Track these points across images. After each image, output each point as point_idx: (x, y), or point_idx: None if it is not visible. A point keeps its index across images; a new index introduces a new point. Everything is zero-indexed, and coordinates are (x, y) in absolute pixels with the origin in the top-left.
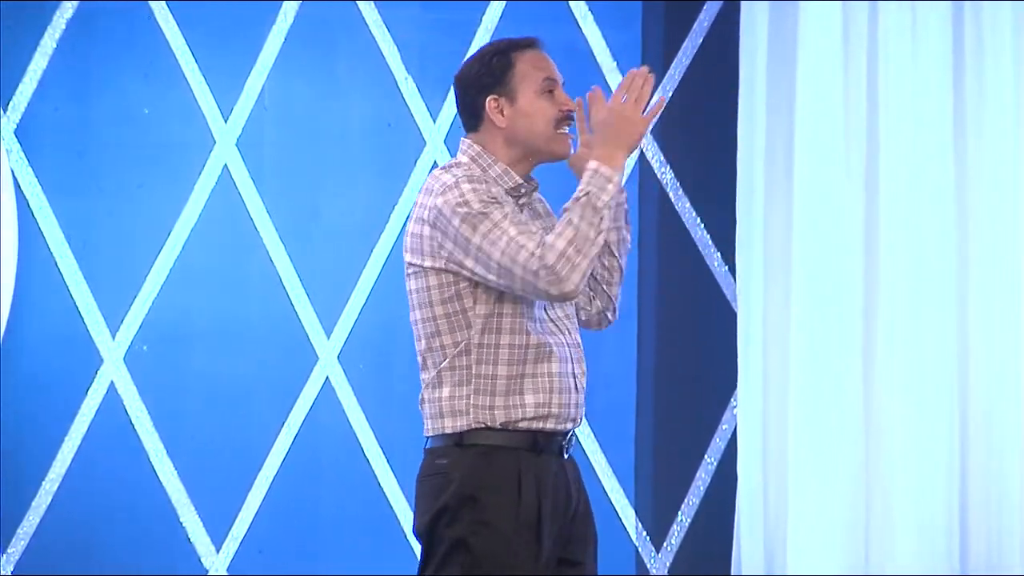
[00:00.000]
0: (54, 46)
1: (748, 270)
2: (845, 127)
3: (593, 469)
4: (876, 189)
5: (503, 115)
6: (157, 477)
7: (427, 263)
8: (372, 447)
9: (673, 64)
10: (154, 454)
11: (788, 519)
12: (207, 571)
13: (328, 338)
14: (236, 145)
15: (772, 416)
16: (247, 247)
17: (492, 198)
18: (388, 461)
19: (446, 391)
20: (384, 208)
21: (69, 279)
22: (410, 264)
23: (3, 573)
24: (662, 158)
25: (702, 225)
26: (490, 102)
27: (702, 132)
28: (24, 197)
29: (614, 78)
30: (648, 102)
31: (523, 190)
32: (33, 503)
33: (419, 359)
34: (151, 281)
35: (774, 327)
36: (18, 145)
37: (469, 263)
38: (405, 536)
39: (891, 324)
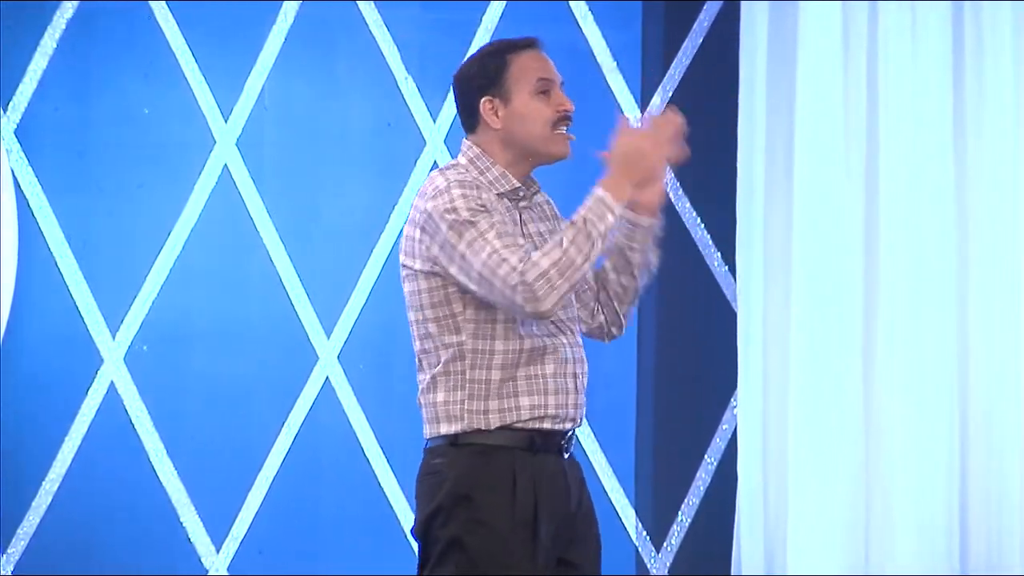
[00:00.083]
0: (54, 46)
1: (748, 270)
2: (845, 127)
3: (593, 469)
4: (876, 189)
5: (498, 116)
6: (157, 477)
7: (417, 266)
8: (372, 447)
9: (673, 64)
10: (154, 454)
11: (788, 519)
12: (207, 571)
13: (328, 338)
14: (236, 145)
15: (772, 416)
16: (247, 247)
17: (481, 205)
18: (388, 461)
19: (440, 396)
20: (384, 208)
21: (69, 279)
22: (403, 266)
23: (3, 573)
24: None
25: (702, 225)
26: (484, 103)
27: (702, 132)
28: (24, 197)
29: (614, 78)
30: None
31: (521, 193)
32: (33, 503)
33: (416, 360)
34: (151, 281)
35: (774, 327)
36: (18, 145)
37: (453, 269)
38: (405, 536)
39: (891, 324)
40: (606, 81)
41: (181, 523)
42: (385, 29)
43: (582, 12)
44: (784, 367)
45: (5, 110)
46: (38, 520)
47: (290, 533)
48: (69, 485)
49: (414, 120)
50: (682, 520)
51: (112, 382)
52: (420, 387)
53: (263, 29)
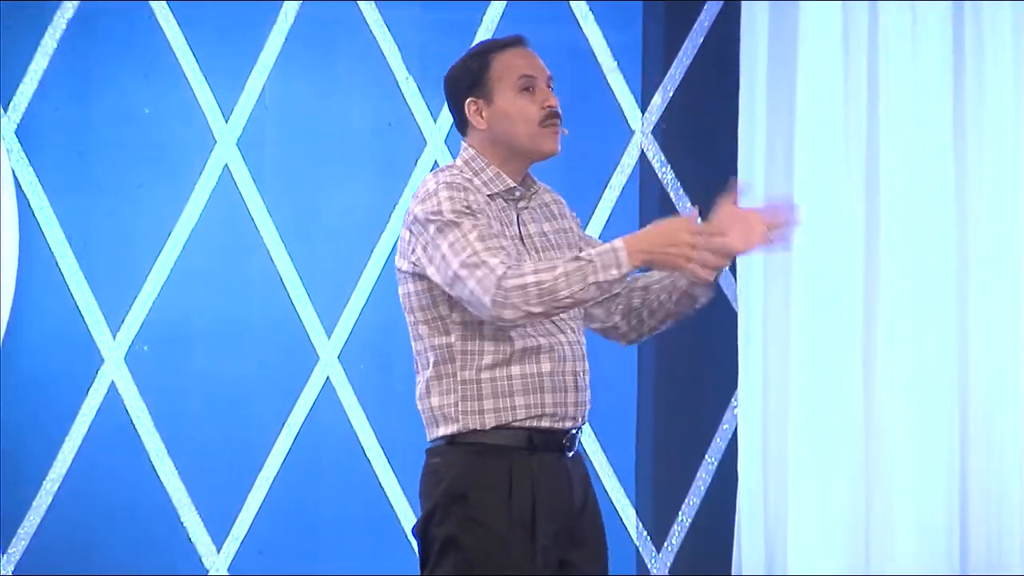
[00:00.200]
0: (55, 46)
1: (748, 270)
2: (845, 127)
3: (594, 469)
4: (876, 189)
5: (482, 117)
6: (158, 477)
7: (406, 268)
8: (373, 447)
9: (674, 64)
10: (155, 454)
11: (788, 519)
12: (207, 571)
13: (329, 338)
14: (237, 145)
15: (772, 416)
16: (248, 247)
17: (466, 207)
18: (389, 461)
19: (435, 400)
20: (385, 208)
21: (70, 279)
22: (396, 268)
23: (4, 573)
24: (662, 158)
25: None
26: (469, 105)
27: (702, 132)
28: (25, 197)
29: (615, 78)
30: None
31: (518, 193)
32: (34, 503)
33: (414, 361)
34: (152, 281)
35: (774, 327)
36: (19, 145)
37: (431, 271)
38: (405, 536)
39: (891, 324)
40: (606, 81)
41: (182, 523)
42: (386, 29)
43: (582, 12)
44: (784, 367)
45: (6, 110)
46: (39, 520)
47: (291, 533)
48: (70, 485)
49: (415, 120)
50: (683, 520)
51: (113, 382)
52: (417, 391)
53: (264, 29)
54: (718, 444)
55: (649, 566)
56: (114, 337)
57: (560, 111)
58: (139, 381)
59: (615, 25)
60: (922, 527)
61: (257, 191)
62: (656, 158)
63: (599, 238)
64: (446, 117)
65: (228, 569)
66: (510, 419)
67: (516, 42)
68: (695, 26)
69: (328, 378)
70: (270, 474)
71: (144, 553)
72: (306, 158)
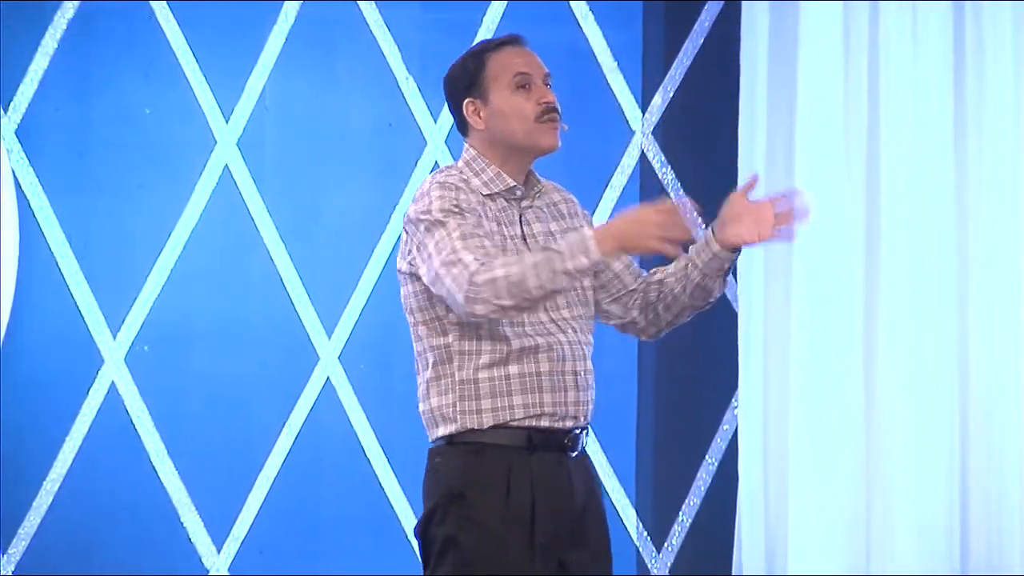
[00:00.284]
0: (55, 46)
1: (749, 270)
2: (846, 127)
3: (594, 469)
4: (877, 189)
5: (480, 117)
6: (158, 477)
7: (404, 268)
8: (373, 447)
9: (674, 64)
10: (155, 454)
11: (789, 519)
12: (208, 571)
13: (329, 338)
14: (237, 145)
15: (773, 416)
16: (248, 247)
17: (455, 206)
18: (389, 461)
19: (434, 401)
20: (385, 208)
21: (70, 279)
22: (397, 270)
23: (4, 573)
24: (663, 158)
25: (703, 225)
26: (467, 105)
27: (703, 132)
28: (25, 197)
29: (615, 78)
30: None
31: (519, 192)
32: (34, 503)
33: (415, 362)
34: (152, 281)
35: (775, 327)
36: (19, 145)
37: (422, 270)
38: (406, 536)
39: (891, 324)
40: (607, 81)
41: (182, 523)
42: (386, 29)
43: (583, 12)
44: (785, 367)
45: (6, 110)
46: (39, 520)
47: (291, 533)
48: (70, 485)
49: (415, 120)
50: (683, 520)
51: (113, 382)
52: (418, 393)
53: (264, 29)
54: (718, 444)
55: (649, 566)
56: (114, 337)
57: (558, 107)
58: (139, 381)
59: (615, 25)
60: (922, 527)
61: (257, 191)
62: (656, 158)
63: None
64: (446, 117)
65: (228, 569)
66: (508, 418)
67: (512, 41)
68: (695, 26)
69: (328, 378)
70: (270, 474)
71: (144, 553)
72: (306, 158)
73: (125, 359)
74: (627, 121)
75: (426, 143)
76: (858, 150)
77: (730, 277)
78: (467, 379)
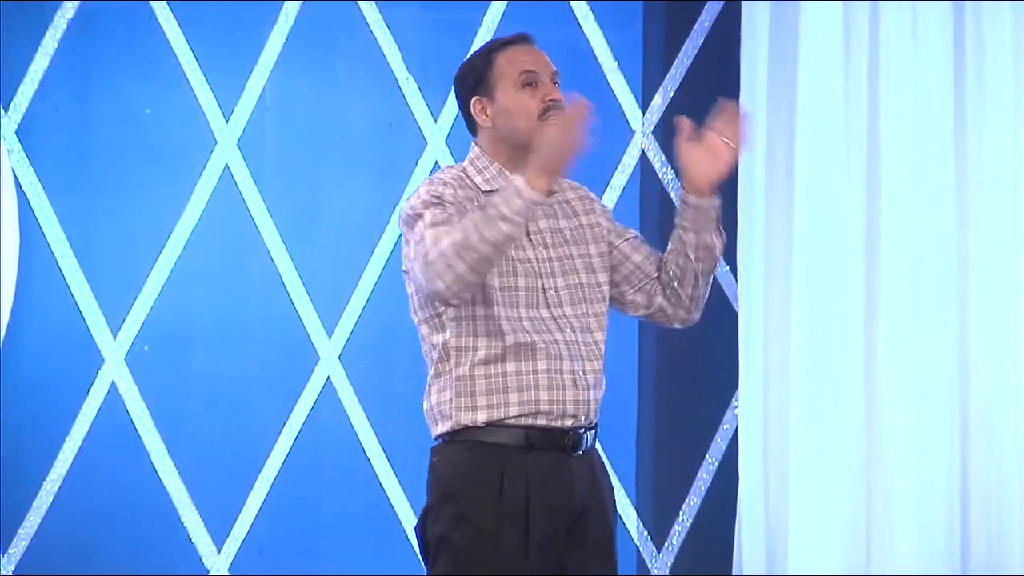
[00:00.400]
0: (55, 46)
1: (749, 270)
2: (846, 127)
3: None
4: (877, 189)
5: (487, 115)
6: (158, 477)
7: (405, 267)
8: (373, 447)
9: (674, 64)
10: (155, 454)
11: (789, 519)
12: (208, 571)
13: (329, 338)
14: (237, 145)
15: (773, 416)
16: (248, 247)
17: (436, 198)
18: (389, 461)
19: (434, 399)
20: (385, 208)
21: (70, 279)
22: (403, 271)
23: (4, 573)
24: (663, 158)
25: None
26: (474, 104)
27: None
28: (25, 197)
29: (615, 78)
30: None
31: None
32: (34, 503)
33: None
34: (152, 281)
35: (775, 327)
36: (19, 145)
37: (408, 265)
38: (406, 536)
39: (892, 324)
40: (607, 81)
41: (182, 523)
42: (386, 29)
43: (583, 12)
44: (785, 367)
45: (6, 110)
46: (39, 520)
47: (291, 533)
48: (70, 485)
49: (415, 120)
50: (683, 520)
51: (113, 382)
52: (424, 393)
53: (264, 29)
54: (719, 444)
55: (650, 566)
56: (115, 337)
57: (564, 106)
58: (140, 381)
59: (615, 25)
60: (922, 527)
61: (257, 191)
62: (656, 158)
63: None
64: (446, 117)
65: (229, 569)
66: (503, 415)
67: (520, 40)
68: (696, 26)
69: (329, 378)
70: (271, 474)
71: (144, 553)
72: (306, 158)
73: (125, 359)
74: (627, 121)
75: (426, 143)
76: (858, 150)
77: (730, 277)
78: (464, 376)
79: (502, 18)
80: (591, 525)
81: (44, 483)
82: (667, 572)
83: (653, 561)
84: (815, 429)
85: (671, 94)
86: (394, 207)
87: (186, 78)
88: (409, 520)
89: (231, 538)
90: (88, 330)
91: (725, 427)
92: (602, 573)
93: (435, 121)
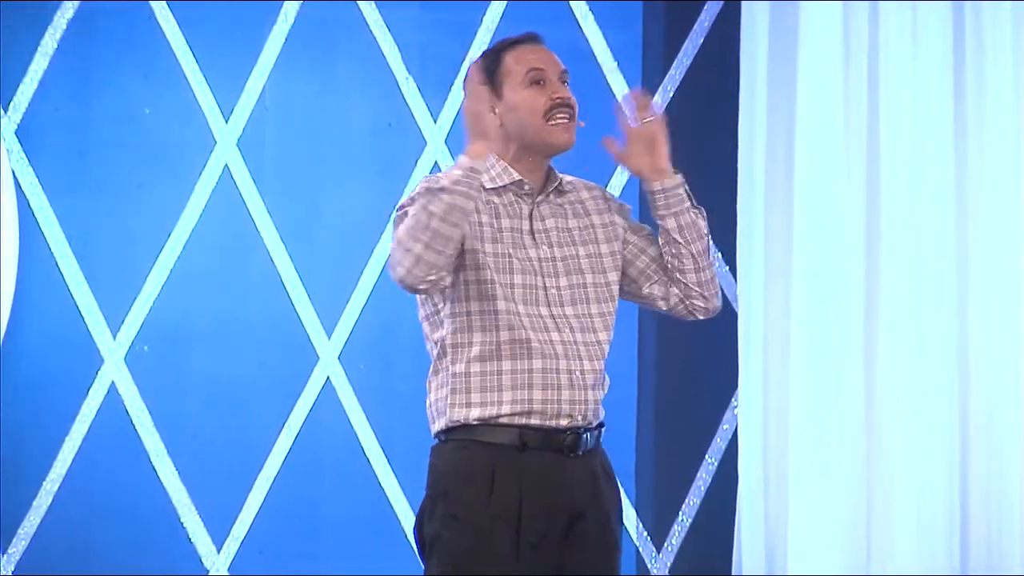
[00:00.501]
0: (55, 46)
1: (749, 270)
2: (846, 127)
3: None
4: (877, 189)
5: (495, 113)
6: (158, 477)
7: None
8: (373, 447)
9: (674, 64)
10: (155, 454)
11: (789, 519)
12: (208, 571)
13: (329, 338)
14: (237, 145)
15: (773, 416)
16: (248, 247)
17: (419, 193)
18: (389, 461)
19: (432, 396)
20: (385, 208)
21: (70, 279)
22: None
23: (4, 573)
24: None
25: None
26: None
27: (703, 132)
28: (25, 197)
29: (615, 78)
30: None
31: (527, 187)
32: (34, 503)
33: None
34: (152, 281)
35: (775, 327)
36: (19, 145)
37: None
38: (406, 536)
39: (892, 324)
40: (607, 81)
41: (182, 523)
42: (386, 29)
43: (583, 12)
44: (784, 367)
45: (6, 110)
46: (39, 520)
47: (291, 533)
48: (70, 485)
49: (415, 120)
50: (683, 520)
51: (113, 382)
52: None
53: (264, 29)
54: (718, 444)
55: (649, 566)
56: (114, 337)
57: (574, 104)
58: (139, 381)
59: (615, 25)
60: (922, 527)
61: (257, 191)
62: None
63: None
64: (446, 117)
65: (228, 569)
66: (495, 413)
67: (529, 39)
68: (695, 26)
69: (328, 378)
70: (270, 474)
71: (144, 553)
72: (306, 158)
73: (125, 359)
74: None
75: (426, 143)
76: (858, 150)
77: (730, 277)
78: (459, 372)
79: (502, 18)
80: (590, 526)
81: (44, 483)
82: (667, 572)
83: (653, 561)
84: (815, 429)
85: (671, 94)
86: (394, 207)
87: (186, 78)
88: (409, 520)
89: (231, 538)
90: (88, 330)
91: (725, 427)
92: (601, 574)
93: (435, 121)
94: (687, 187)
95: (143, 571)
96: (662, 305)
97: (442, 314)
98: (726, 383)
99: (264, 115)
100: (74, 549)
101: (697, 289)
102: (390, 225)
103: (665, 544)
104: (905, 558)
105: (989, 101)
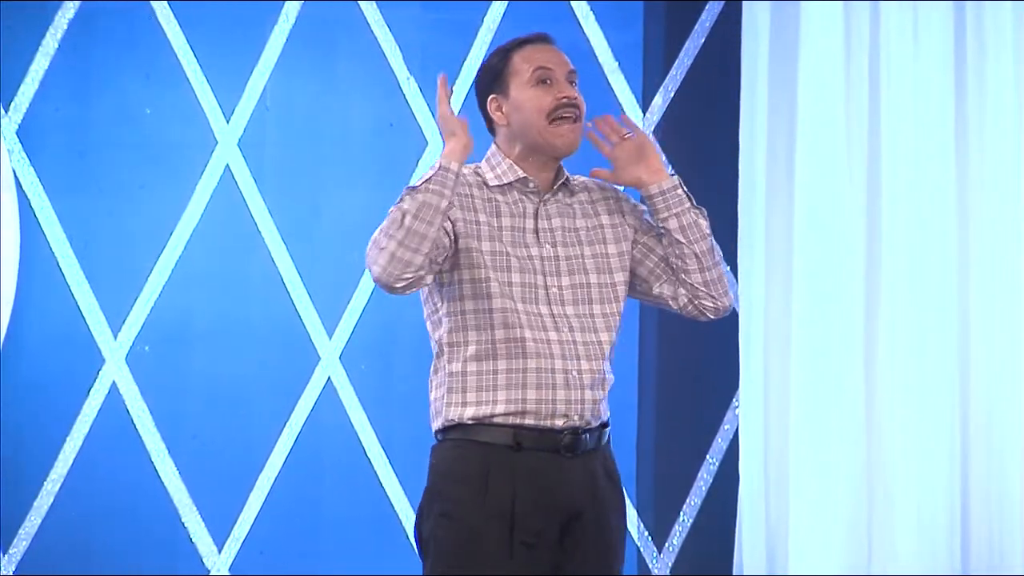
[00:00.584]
0: (56, 46)
1: (750, 270)
2: (847, 127)
3: None
4: (877, 189)
5: (502, 112)
6: (159, 477)
7: None
8: (374, 447)
9: (675, 64)
10: (156, 454)
11: (790, 519)
12: (208, 571)
13: (330, 338)
14: (238, 145)
15: (774, 416)
16: (249, 247)
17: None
18: (390, 461)
19: (432, 395)
20: (386, 208)
21: (71, 279)
22: None
23: (5, 573)
24: (664, 158)
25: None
26: (490, 102)
27: (703, 132)
28: (26, 197)
29: (616, 78)
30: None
31: (531, 184)
32: (35, 503)
33: None
34: (153, 281)
35: (776, 327)
36: (19, 145)
37: None
38: (406, 536)
39: (892, 324)
40: (608, 81)
41: (183, 523)
42: (387, 29)
43: (583, 12)
44: (785, 367)
45: (6, 110)
46: (40, 520)
47: (292, 533)
48: (71, 485)
49: (416, 120)
50: (684, 520)
51: (114, 382)
52: None
53: (265, 29)
54: (719, 444)
55: (650, 566)
56: (115, 337)
57: (580, 104)
58: (140, 381)
59: (616, 25)
60: (923, 527)
61: (258, 191)
62: None
63: None
64: None
65: (229, 569)
66: (489, 412)
67: (537, 39)
68: (696, 26)
69: (329, 378)
70: (271, 474)
71: (145, 553)
72: (307, 158)
73: (126, 359)
74: None
75: (427, 143)
76: (859, 150)
77: (731, 277)
78: (456, 372)
79: (502, 18)
80: (588, 527)
81: (45, 483)
82: (668, 572)
83: (654, 561)
84: (815, 429)
85: (672, 94)
86: None
87: (186, 78)
88: (410, 520)
89: (231, 538)
90: (89, 330)
91: (725, 427)
92: (601, 574)
93: (436, 121)
94: (685, 187)
95: (144, 571)
96: (672, 305)
97: (440, 313)
98: (727, 383)
99: (265, 115)
100: (75, 549)
101: (704, 289)
102: None
103: (666, 544)
104: (906, 558)
105: (990, 101)
